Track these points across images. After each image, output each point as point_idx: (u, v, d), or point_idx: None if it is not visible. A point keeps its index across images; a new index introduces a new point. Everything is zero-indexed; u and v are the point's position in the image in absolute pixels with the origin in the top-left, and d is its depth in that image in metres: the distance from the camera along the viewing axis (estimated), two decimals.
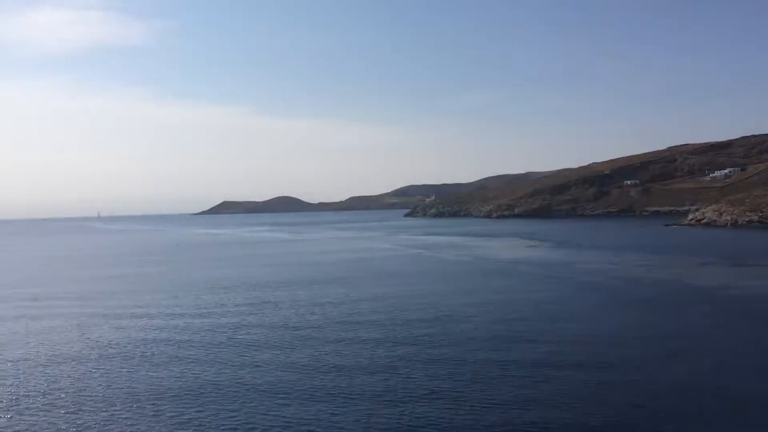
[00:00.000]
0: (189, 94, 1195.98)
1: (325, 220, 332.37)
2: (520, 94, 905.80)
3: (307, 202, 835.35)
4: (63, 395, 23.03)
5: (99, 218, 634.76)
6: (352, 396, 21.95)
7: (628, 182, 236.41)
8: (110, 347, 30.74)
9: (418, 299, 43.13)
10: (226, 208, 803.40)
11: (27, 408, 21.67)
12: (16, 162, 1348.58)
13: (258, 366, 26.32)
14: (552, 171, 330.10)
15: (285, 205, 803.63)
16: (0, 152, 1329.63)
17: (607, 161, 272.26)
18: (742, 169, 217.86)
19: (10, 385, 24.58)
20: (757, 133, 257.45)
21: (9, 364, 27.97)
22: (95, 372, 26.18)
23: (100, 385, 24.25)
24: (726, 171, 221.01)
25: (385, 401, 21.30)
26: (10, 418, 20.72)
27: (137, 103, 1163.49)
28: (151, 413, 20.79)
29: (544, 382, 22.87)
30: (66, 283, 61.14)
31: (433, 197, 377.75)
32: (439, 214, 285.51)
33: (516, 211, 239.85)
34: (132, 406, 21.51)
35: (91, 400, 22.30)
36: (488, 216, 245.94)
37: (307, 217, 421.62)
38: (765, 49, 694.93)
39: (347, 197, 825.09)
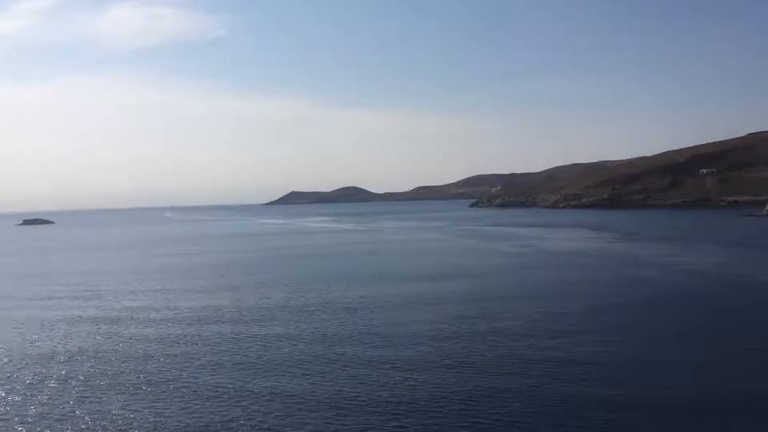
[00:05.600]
0: (255, 87, 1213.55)
1: (390, 210, 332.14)
2: (590, 80, 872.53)
3: (373, 192, 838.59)
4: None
5: (172, 209, 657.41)
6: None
7: (705, 171, 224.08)
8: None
9: (456, 295, 41.34)
10: (295, 198, 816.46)
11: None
12: (108, 155, 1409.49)
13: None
14: (625, 160, 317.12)
15: (352, 195, 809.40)
16: (87, 145, 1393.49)
17: (683, 149, 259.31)
18: None
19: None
20: None
21: None
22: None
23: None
24: None
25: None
26: None
27: (207, 97, 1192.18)
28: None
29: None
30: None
31: (498, 187, 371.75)
32: (504, 205, 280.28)
33: (584, 201, 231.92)
34: None
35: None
36: (554, 206, 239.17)
37: (373, 207, 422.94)
38: None
39: (414, 187, 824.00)
